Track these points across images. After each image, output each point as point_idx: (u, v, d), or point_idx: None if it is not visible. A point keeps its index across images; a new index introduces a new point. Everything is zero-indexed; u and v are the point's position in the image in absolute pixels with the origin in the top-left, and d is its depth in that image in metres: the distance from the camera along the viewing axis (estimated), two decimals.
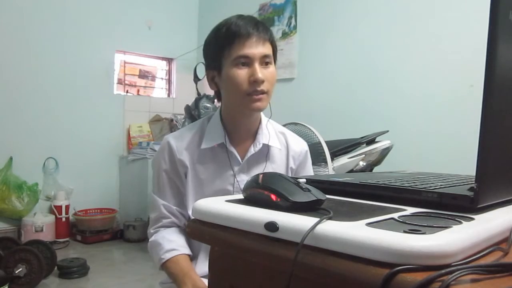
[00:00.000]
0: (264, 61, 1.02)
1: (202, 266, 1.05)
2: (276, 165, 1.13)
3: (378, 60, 2.76)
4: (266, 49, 1.02)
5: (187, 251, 1.05)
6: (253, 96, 1.01)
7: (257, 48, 1.00)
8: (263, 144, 1.11)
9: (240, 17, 1.04)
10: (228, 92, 1.05)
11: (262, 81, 1.00)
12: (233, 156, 1.09)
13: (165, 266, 1.03)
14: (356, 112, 2.84)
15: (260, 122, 1.13)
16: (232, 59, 1.00)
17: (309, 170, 1.22)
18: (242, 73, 1.00)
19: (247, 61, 1.00)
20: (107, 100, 3.69)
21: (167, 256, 1.03)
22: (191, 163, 1.08)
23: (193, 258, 1.08)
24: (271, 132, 1.14)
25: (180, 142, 1.09)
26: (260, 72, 1.00)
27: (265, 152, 1.12)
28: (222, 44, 1.02)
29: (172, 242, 1.05)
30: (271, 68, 1.04)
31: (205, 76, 1.13)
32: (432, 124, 2.47)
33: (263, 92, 1.01)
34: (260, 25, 1.03)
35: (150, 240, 1.11)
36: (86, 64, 3.52)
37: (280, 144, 1.15)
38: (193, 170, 1.08)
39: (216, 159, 1.09)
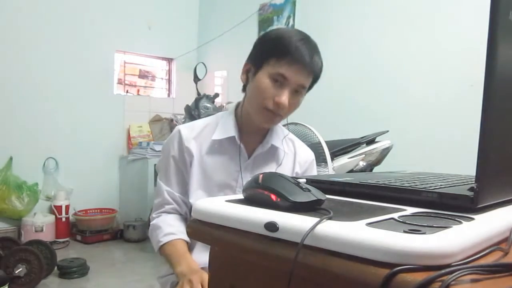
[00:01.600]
0: (297, 89, 1.02)
1: (199, 257, 1.05)
2: (282, 168, 1.13)
3: (377, 60, 2.76)
4: (306, 81, 1.02)
5: (185, 237, 1.06)
6: (270, 113, 1.02)
7: (299, 76, 1.00)
8: (271, 145, 1.12)
9: (305, 40, 1.01)
10: (251, 94, 1.06)
11: (284, 107, 1.01)
12: (241, 152, 1.10)
13: (162, 248, 1.05)
14: (356, 112, 2.84)
15: None
16: (272, 71, 1.00)
17: None
18: (272, 88, 1.00)
19: (283, 81, 1.00)
20: (107, 100, 3.69)
21: (166, 239, 1.04)
22: (198, 153, 1.10)
23: (190, 248, 1.08)
24: (280, 136, 1.16)
25: (190, 132, 1.11)
26: (287, 98, 1.00)
27: (273, 153, 1.13)
28: (273, 52, 1.00)
29: (171, 227, 1.07)
30: (299, 98, 1.04)
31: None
32: (432, 124, 2.47)
33: (279, 115, 1.03)
34: (316, 59, 1.01)
35: (151, 223, 1.13)
36: (86, 64, 3.53)
37: (288, 149, 1.16)
38: (200, 160, 1.10)
39: (224, 152, 1.10)
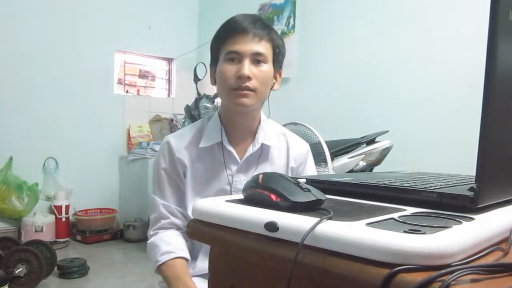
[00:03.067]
0: (256, 59, 1.01)
1: (203, 264, 1.04)
2: (276, 166, 1.12)
3: (377, 60, 2.75)
4: (260, 47, 1.01)
5: (184, 254, 1.03)
6: (238, 92, 1.01)
7: (249, 45, 1.00)
8: (262, 144, 1.10)
9: (244, 14, 1.05)
10: (218, 86, 1.06)
11: (248, 78, 0.99)
12: (232, 156, 1.08)
13: (160, 269, 1.01)
14: (356, 112, 2.84)
15: (259, 122, 1.12)
16: (224, 54, 1.02)
17: (311, 169, 1.20)
18: (231, 68, 1.01)
19: (238, 57, 1.01)
20: (107, 100, 3.69)
21: (164, 258, 1.01)
22: (190, 162, 1.08)
23: (194, 256, 1.07)
24: (271, 133, 1.13)
25: (180, 142, 1.09)
26: (248, 69, 0.99)
27: (265, 152, 1.11)
28: (220, 39, 1.04)
29: (169, 245, 1.03)
30: (264, 67, 1.02)
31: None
32: (432, 124, 2.46)
33: (249, 89, 1.01)
34: (259, 23, 1.02)
35: (148, 241, 1.09)
36: (86, 64, 3.53)
37: (280, 145, 1.14)
38: (192, 169, 1.08)
39: (214, 158, 1.08)
